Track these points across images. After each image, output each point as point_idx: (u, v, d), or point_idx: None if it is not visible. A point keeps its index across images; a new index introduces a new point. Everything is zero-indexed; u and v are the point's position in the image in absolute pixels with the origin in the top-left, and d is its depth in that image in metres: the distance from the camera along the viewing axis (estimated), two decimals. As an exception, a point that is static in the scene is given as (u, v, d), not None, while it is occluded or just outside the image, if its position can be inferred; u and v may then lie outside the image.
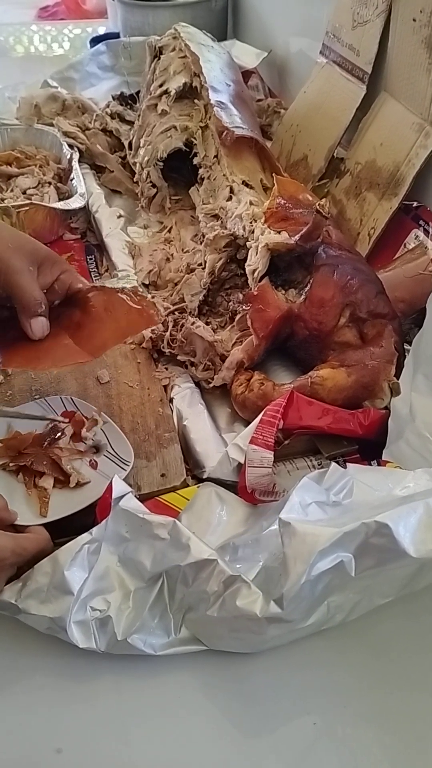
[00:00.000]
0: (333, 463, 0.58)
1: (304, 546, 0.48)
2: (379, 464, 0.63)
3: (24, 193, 1.00)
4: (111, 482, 0.57)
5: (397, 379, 0.68)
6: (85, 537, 0.53)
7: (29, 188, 1.00)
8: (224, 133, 0.89)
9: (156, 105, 1.00)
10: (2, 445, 0.64)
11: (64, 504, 0.62)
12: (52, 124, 1.12)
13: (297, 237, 0.72)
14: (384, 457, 0.63)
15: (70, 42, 1.80)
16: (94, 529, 0.53)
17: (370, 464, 0.63)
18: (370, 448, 0.66)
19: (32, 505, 0.61)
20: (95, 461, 0.65)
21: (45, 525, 0.59)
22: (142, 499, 0.59)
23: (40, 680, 0.54)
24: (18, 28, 1.82)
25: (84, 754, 0.51)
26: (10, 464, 0.63)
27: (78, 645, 0.52)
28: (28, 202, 0.91)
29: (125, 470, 0.63)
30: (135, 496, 0.55)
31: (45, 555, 0.55)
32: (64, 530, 0.62)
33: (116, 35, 1.55)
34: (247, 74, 1.30)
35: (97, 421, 0.67)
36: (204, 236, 0.87)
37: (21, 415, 0.67)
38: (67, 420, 0.67)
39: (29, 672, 0.55)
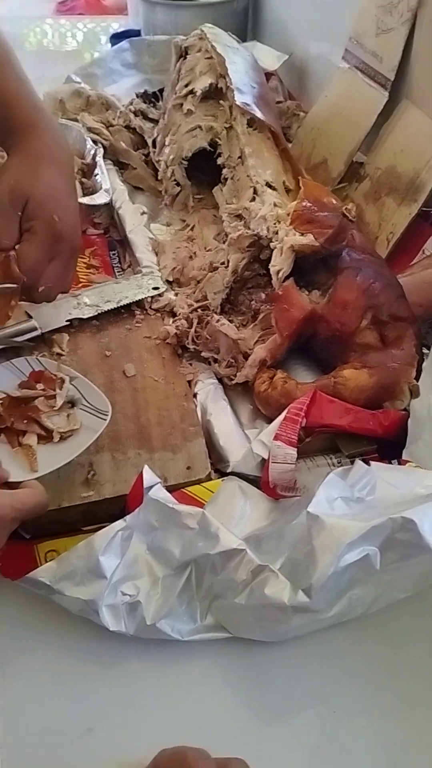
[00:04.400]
0: (358, 461, 0.60)
1: (333, 538, 0.50)
2: (399, 464, 0.65)
3: (48, 187, 1.01)
4: (141, 472, 0.59)
5: (417, 381, 0.70)
6: (119, 524, 0.55)
7: (54, 182, 1.02)
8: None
9: (182, 105, 1.01)
10: None
11: (52, 458, 0.63)
12: (76, 120, 1.13)
13: (322, 239, 0.74)
14: (404, 457, 0.65)
15: (83, 36, 1.81)
16: (128, 517, 0.55)
17: (390, 463, 0.65)
18: (389, 448, 0.68)
19: (21, 463, 0.63)
20: (73, 415, 0.67)
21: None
22: (169, 490, 0.60)
23: (72, 661, 0.56)
24: (32, 21, 1.83)
25: (113, 734, 0.53)
26: None
27: (108, 627, 0.54)
28: (54, 196, 0.93)
29: (105, 419, 0.65)
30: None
31: (42, 508, 0.57)
32: (94, 517, 0.64)
33: (137, 32, 1.56)
34: (266, 76, 1.31)
35: (65, 378, 0.69)
36: (227, 235, 0.89)
37: None
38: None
39: (62, 652, 0.57)
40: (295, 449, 0.64)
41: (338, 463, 0.69)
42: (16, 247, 0.67)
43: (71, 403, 0.68)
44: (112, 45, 1.53)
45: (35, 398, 0.67)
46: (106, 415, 0.66)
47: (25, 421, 0.65)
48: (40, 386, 0.68)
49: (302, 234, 0.76)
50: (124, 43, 1.37)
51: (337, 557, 0.49)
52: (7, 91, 0.71)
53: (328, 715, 0.55)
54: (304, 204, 0.78)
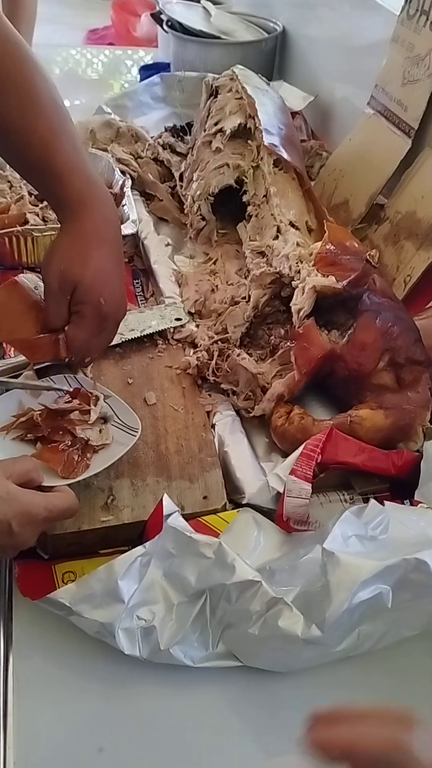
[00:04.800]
0: (372, 500, 0.62)
1: (348, 575, 0.52)
2: (411, 504, 0.67)
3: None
4: (161, 499, 0.61)
5: (431, 423, 0.72)
6: (139, 550, 0.57)
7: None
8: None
9: (211, 142, 1.05)
10: (15, 419, 0.69)
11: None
12: (105, 150, 1.17)
13: (345, 282, 0.76)
14: (416, 498, 0.67)
15: (110, 65, 1.86)
16: (148, 544, 0.57)
17: (402, 503, 0.67)
18: (401, 487, 0.70)
19: (53, 470, 0.65)
20: (105, 430, 0.70)
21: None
22: (185, 518, 0.62)
23: (86, 682, 0.58)
24: (65, 50, 1.89)
25: (123, 754, 0.54)
26: (27, 435, 0.69)
27: (123, 651, 0.56)
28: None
29: (134, 435, 0.69)
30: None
31: (73, 512, 0.60)
32: (111, 541, 0.66)
33: (166, 65, 1.61)
34: (291, 114, 1.35)
35: (99, 396, 0.72)
36: (249, 271, 0.91)
37: (27, 386, 0.72)
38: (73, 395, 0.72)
39: (76, 672, 0.58)
40: (310, 484, 0.66)
41: (350, 499, 0.71)
42: (65, 328, 0.70)
43: (104, 419, 0.71)
44: (141, 76, 1.58)
45: (71, 411, 0.70)
46: (136, 431, 0.69)
47: (60, 432, 0.68)
48: (76, 401, 0.71)
49: (325, 275, 0.79)
50: (155, 78, 1.42)
51: (352, 594, 0.51)
52: (62, 165, 0.69)
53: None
54: (327, 247, 0.81)
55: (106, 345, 0.74)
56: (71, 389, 0.73)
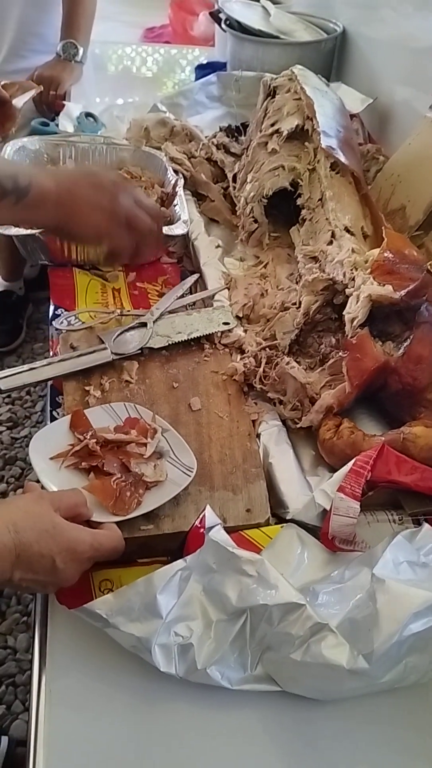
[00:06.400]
0: (426, 524, 0.58)
1: (399, 605, 0.49)
2: (465, 529, 0.63)
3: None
4: (203, 512, 0.59)
5: None
6: (179, 563, 0.55)
7: (133, 209, 1.03)
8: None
9: (266, 143, 1.02)
10: (71, 447, 0.67)
11: None
12: (159, 148, 1.16)
13: (403, 292, 0.73)
14: (471, 523, 0.63)
15: (165, 63, 1.85)
16: (189, 558, 0.55)
17: (456, 528, 0.64)
18: (454, 510, 0.67)
19: (101, 505, 0.63)
20: (160, 466, 0.68)
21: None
22: (227, 531, 0.60)
23: (119, 697, 0.56)
24: (122, 47, 1.88)
25: (154, 776, 0.52)
26: (82, 463, 0.66)
27: (159, 668, 0.54)
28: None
29: (189, 476, 0.66)
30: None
31: (118, 553, 0.59)
32: (150, 550, 0.64)
33: (222, 65, 1.59)
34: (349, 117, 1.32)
35: (157, 429, 0.70)
36: (301, 276, 0.89)
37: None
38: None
39: (109, 686, 0.57)
40: (359, 503, 0.63)
41: (399, 520, 0.68)
42: None
43: (160, 455, 0.69)
44: (197, 75, 1.56)
45: (128, 443, 0.68)
46: (191, 471, 0.67)
47: (115, 464, 0.66)
48: (134, 432, 0.69)
49: (381, 284, 0.76)
50: (212, 77, 1.40)
51: (402, 626, 0.48)
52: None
53: (373, 784, 0.54)
54: (385, 254, 0.78)
55: None
56: (130, 418, 0.72)
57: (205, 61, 1.72)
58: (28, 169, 0.81)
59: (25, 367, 0.75)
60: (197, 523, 0.61)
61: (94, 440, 0.67)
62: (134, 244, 0.83)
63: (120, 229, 0.81)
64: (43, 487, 0.63)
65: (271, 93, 1.09)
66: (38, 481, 0.64)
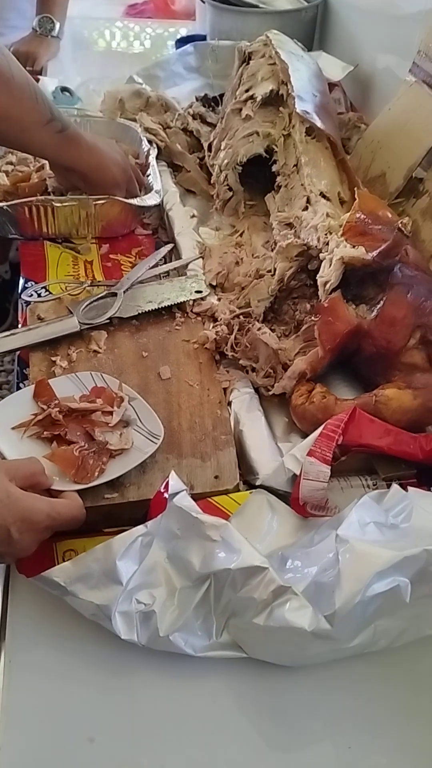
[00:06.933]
0: (394, 485, 0.57)
1: (362, 565, 0.47)
2: (438, 491, 0.62)
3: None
4: (168, 478, 0.58)
5: (463, 406, 0.67)
6: (140, 529, 0.53)
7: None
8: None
9: (240, 109, 1.00)
10: (33, 417, 0.66)
11: None
12: (134, 120, 1.13)
13: (375, 253, 0.71)
14: (444, 485, 0.61)
15: (150, 40, 1.81)
16: (150, 523, 0.54)
17: (429, 491, 0.62)
18: (428, 473, 0.65)
19: (63, 473, 0.62)
20: (126, 434, 0.66)
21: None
22: (194, 498, 0.58)
23: (80, 667, 0.55)
24: (102, 23, 1.85)
25: (116, 746, 0.51)
26: (44, 433, 0.65)
27: (120, 636, 0.52)
28: (106, 196, 0.92)
29: (155, 443, 0.65)
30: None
31: (78, 522, 0.57)
32: (116, 519, 0.62)
33: (203, 38, 1.56)
34: (330, 86, 1.29)
35: (124, 398, 0.68)
36: (276, 243, 0.87)
37: None
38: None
39: (70, 656, 0.55)
40: (329, 467, 0.62)
41: (374, 485, 0.66)
42: None
43: (126, 423, 0.67)
44: (177, 49, 1.53)
45: (93, 412, 0.66)
46: (158, 438, 0.65)
47: (79, 433, 0.64)
48: (99, 401, 0.67)
49: (354, 246, 0.74)
50: (189, 47, 1.37)
51: (365, 586, 0.47)
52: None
53: (343, 751, 0.52)
54: (358, 216, 0.76)
55: None
56: (96, 387, 0.70)
57: (186, 35, 1.69)
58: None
59: (-13, 338, 0.73)
60: (161, 489, 0.59)
61: (57, 409, 0.65)
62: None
63: (129, 183, 0.96)
64: (3, 458, 0.62)
65: (246, 59, 1.07)
66: None
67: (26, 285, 0.87)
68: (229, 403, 0.73)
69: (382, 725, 0.54)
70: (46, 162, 1.00)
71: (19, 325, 0.81)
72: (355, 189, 0.84)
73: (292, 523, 0.62)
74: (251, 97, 1.00)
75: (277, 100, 1.00)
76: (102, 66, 1.61)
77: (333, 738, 0.53)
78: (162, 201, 1.00)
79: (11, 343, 0.74)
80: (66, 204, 0.92)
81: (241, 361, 0.76)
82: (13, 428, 0.65)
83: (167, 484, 0.58)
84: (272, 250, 0.88)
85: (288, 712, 0.54)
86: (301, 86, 0.98)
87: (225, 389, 0.75)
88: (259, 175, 1.00)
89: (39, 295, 0.84)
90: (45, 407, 0.66)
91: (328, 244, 0.78)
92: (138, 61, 1.69)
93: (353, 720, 0.54)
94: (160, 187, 0.99)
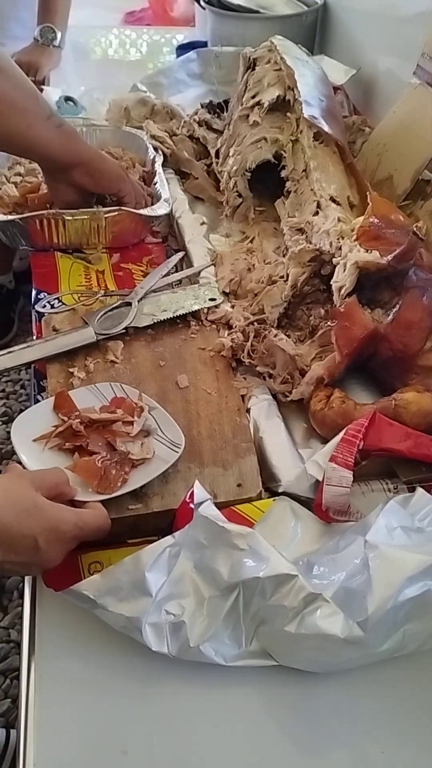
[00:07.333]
0: (419, 489, 0.57)
1: (393, 571, 0.48)
2: (461, 494, 0.62)
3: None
4: (192, 488, 0.58)
5: None
6: (167, 540, 0.53)
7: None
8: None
9: (248, 116, 1.00)
10: (54, 429, 0.66)
11: None
12: (140, 128, 1.13)
13: (390, 257, 0.71)
14: (467, 488, 0.62)
15: (147, 46, 1.82)
16: (177, 533, 0.54)
17: (451, 493, 0.62)
18: (450, 476, 0.65)
19: (88, 484, 0.62)
20: (147, 444, 0.66)
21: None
22: (218, 507, 0.58)
23: (111, 680, 0.55)
24: (98, 31, 1.85)
25: (149, 758, 0.51)
26: (66, 444, 0.65)
27: (151, 648, 0.52)
28: (116, 208, 0.93)
29: (177, 452, 0.65)
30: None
31: (103, 532, 0.57)
32: (140, 530, 0.62)
33: (203, 44, 1.56)
34: (333, 90, 1.29)
35: (144, 407, 0.69)
36: (288, 249, 0.87)
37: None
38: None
39: (101, 669, 0.55)
40: (351, 472, 0.62)
41: (394, 488, 0.66)
42: None
43: (147, 433, 0.67)
44: (178, 56, 1.53)
45: (113, 422, 0.66)
46: (179, 447, 0.65)
47: (100, 444, 0.64)
48: (120, 412, 0.68)
49: (368, 251, 0.74)
50: (192, 54, 1.37)
51: (397, 591, 0.47)
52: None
53: (376, 756, 0.52)
54: (371, 220, 0.76)
55: None
56: (116, 398, 0.70)
57: (185, 41, 1.70)
58: None
59: (4, 350, 0.73)
60: (186, 498, 0.59)
61: (79, 420, 0.65)
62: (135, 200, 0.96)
63: (130, 184, 0.95)
64: (25, 469, 0.62)
65: (251, 65, 1.07)
66: (21, 464, 0.63)
67: (39, 296, 0.87)
68: (248, 410, 0.73)
69: (414, 728, 0.54)
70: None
71: (34, 337, 0.81)
72: (367, 193, 0.85)
73: (315, 530, 0.63)
74: (258, 103, 1.00)
75: (284, 106, 1.00)
76: (100, 74, 1.62)
77: (365, 742, 0.53)
78: (171, 209, 1.00)
79: (29, 355, 0.74)
80: (77, 217, 0.92)
81: (258, 368, 0.77)
82: (34, 440, 0.65)
83: (192, 493, 0.58)
84: (284, 256, 0.88)
85: (319, 718, 0.54)
86: (308, 91, 0.98)
87: (243, 396, 0.75)
88: (267, 181, 1.00)
89: (53, 306, 0.84)
90: (66, 419, 0.66)
91: (341, 248, 0.79)
92: (135, 68, 1.70)
93: (385, 724, 0.54)
94: (168, 195, 0.99)
